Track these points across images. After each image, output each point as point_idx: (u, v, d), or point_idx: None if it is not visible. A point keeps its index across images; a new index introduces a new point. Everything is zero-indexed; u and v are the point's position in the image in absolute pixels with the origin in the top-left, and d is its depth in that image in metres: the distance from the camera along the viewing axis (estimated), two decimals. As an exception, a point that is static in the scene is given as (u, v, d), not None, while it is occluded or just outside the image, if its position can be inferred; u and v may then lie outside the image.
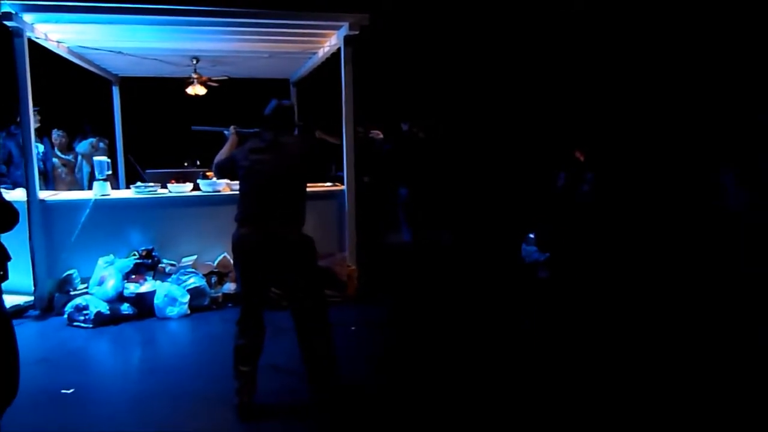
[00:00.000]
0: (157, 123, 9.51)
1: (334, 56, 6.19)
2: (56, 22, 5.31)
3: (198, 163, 9.09)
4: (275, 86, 9.35)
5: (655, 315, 4.92)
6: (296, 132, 3.89)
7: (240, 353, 3.37)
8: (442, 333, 4.76)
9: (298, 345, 3.47)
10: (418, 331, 4.84)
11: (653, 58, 7.07)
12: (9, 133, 6.75)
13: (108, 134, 8.56)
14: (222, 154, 3.81)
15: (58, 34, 5.73)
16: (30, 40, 5.34)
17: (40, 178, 6.82)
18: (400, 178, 7.17)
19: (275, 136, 3.43)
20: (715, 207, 5.16)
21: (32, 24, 5.26)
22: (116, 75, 8.48)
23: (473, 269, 6.39)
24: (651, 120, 6.49)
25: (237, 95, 9.32)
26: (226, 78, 7.88)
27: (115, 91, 8.65)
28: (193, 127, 5.30)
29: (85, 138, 8.10)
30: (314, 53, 6.88)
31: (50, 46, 5.86)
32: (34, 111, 6.62)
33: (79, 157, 7.86)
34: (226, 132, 4.18)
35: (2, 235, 2.77)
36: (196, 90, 7.29)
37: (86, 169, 7.97)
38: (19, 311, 5.19)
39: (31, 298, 5.29)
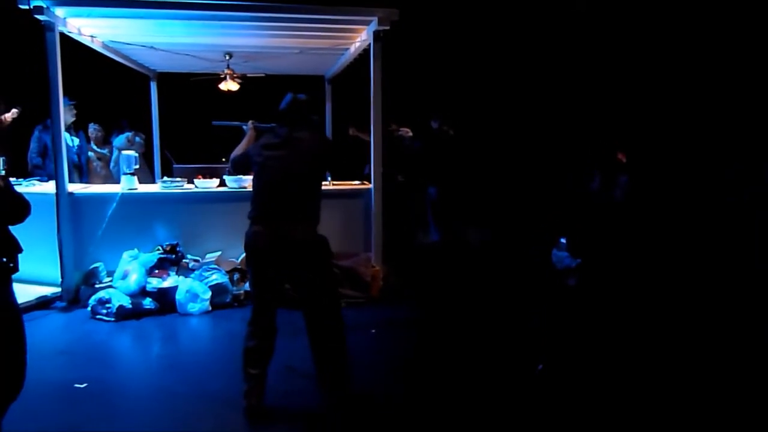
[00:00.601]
0: (192, 118, 9.59)
1: (367, 52, 6.08)
2: (88, 16, 5.35)
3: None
4: (310, 83, 9.32)
5: (675, 319, 4.66)
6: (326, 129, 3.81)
7: (249, 355, 3.29)
8: (463, 338, 4.59)
9: (310, 347, 3.38)
10: (440, 336, 4.68)
11: (689, 55, 6.74)
12: (45, 126, 6.84)
13: (145, 129, 8.68)
14: (238, 150, 3.75)
15: (91, 28, 5.77)
16: (66, 35, 5.43)
17: (74, 171, 6.95)
18: (430, 176, 6.99)
19: (290, 131, 3.34)
20: (729, 204, 4.85)
21: (64, 18, 5.31)
22: (154, 70, 8.58)
23: (500, 272, 6.17)
24: (680, 119, 6.18)
25: (273, 92, 9.28)
26: (262, 75, 7.86)
27: (153, 87, 8.75)
28: (214, 122, 5.27)
29: (122, 132, 8.21)
30: (346, 49, 6.78)
31: (84, 40, 5.92)
32: (70, 105, 6.77)
33: (115, 151, 7.96)
34: (244, 127, 4.10)
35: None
36: (229, 86, 7.28)
37: (122, 163, 8.09)
38: (46, 302, 5.26)
39: (59, 289, 5.36)
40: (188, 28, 5.88)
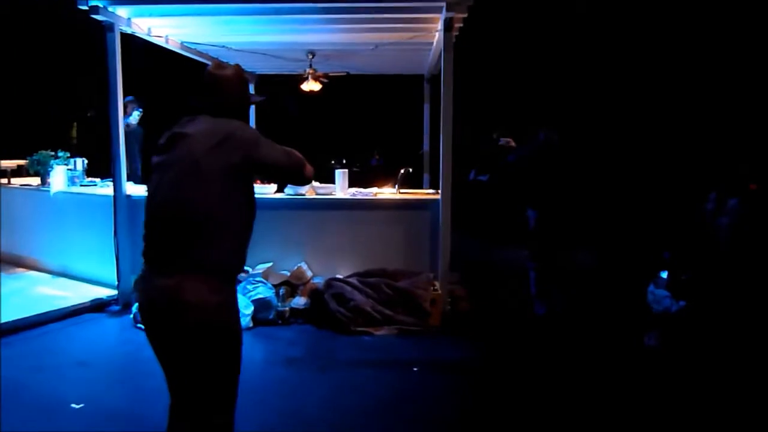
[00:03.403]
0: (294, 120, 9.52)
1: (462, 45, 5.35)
2: (150, 15, 5.23)
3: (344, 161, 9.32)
4: (408, 82, 8.77)
5: None
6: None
7: None
8: (529, 395, 3.69)
9: None
10: (499, 388, 3.78)
11: None
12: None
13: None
14: None
15: (161, 29, 5.66)
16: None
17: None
18: (531, 196, 5.79)
19: (184, 124, 2.15)
20: None
21: (129, 18, 5.22)
22: (251, 73, 8.51)
23: (601, 309, 5.06)
24: None
25: (367, 92, 8.89)
26: (344, 73, 7.44)
27: (250, 90, 8.70)
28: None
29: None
30: (430, 43, 6.08)
31: (159, 42, 5.84)
32: (140, 111, 6.88)
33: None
34: None
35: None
36: (311, 86, 6.93)
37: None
38: (101, 305, 5.21)
39: (116, 292, 5.29)
40: (256, 24, 5.58)
